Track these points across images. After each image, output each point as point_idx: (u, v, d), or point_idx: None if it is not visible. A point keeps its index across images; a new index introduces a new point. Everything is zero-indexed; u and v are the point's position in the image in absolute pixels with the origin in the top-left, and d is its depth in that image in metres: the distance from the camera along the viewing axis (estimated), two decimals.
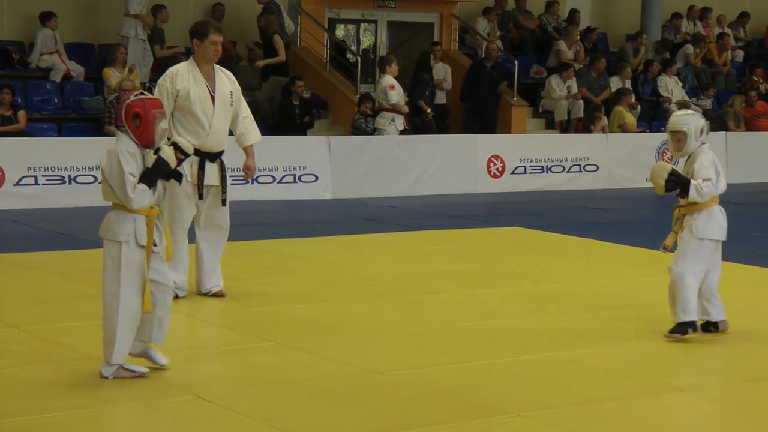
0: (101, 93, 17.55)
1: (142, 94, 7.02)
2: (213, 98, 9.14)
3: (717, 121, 20.96)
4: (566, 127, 20.57)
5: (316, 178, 16.60)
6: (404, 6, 21.35)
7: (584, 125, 20.03)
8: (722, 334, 8.62)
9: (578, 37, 22.56)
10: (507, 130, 19.98)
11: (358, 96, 18.80)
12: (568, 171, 18.82)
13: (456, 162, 17.86)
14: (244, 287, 9.75)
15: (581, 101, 20.54)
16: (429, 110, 19.08)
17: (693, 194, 8.18)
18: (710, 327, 8.58)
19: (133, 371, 7.00)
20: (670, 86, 21.86)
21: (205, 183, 9.14)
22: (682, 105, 21.63)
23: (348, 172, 16.88)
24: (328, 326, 8.70)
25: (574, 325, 8.89)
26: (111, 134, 15.82)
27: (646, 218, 16.09)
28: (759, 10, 26.44)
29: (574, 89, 20.65)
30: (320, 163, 16.65)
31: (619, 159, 19.33)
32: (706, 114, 21.95)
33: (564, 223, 14.70)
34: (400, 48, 22.13)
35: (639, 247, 12.56)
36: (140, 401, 6.68)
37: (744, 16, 25.61)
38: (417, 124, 18.96)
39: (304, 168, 16.51)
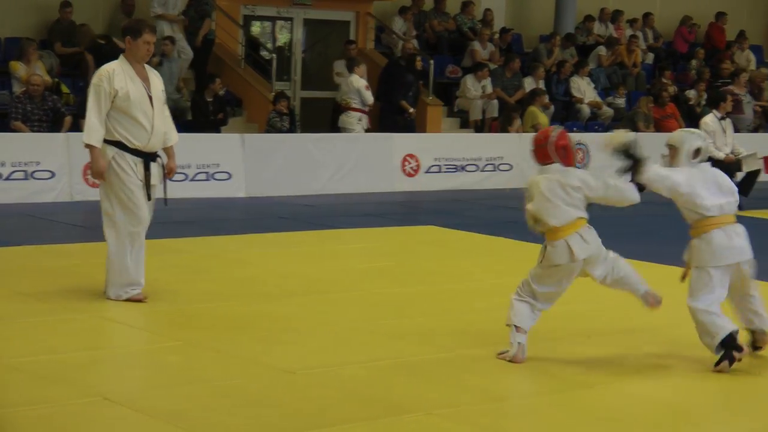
0: (8, 88, 17.28)
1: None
2: (150, 98, 9.09)
3: (627, 122, 21.21)
4: (481, 127, 20.69)
5: (230, 176, 16.51)
6: (320, 4, 21.32)
7: (500, 125, 20.16)
8: (631, 330, 8.72)
9: (491, 38, 22.68)
10: (422, 129, 20.05)
11: (274, 94, 18.75)
12: (482, 170, 18.93)
13: (371, 161, 17.87)
14: (155, 286, 9.66)
15: (496, 101, 20.67)
16: (411, 110, 19.33)
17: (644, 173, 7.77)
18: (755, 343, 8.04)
19: None
20: (583, 87, 22.08)
21: (151, 183, 9.13)
22: (594, 106, 21.89)
23: (262, 170, 16.81)
24: (240, 325, 8.66)
25: (486, 324, 8.93)
26: (18, 130, 15.63)
27: None
28: (668, 14, 26.80)
29: (489, 89, 20.78)
30: (234, 161, 16.56)
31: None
32: (619, 113, 22.28)
33: (478, 222, 14.77)
34: (316, 46, 22.12)
35: None
36: (45, 402, 6.58)
37: (648, 15, 25.92)
38: (400, 122, 19.23)
39: (218, 166, 16.41)
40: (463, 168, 18.80)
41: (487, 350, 8.10)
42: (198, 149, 16.21)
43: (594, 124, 21.82)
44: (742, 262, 7.78)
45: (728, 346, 7.57)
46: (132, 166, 9.01)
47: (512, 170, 19.15)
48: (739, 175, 16.94)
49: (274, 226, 13.92)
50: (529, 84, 21.31)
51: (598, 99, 22.24)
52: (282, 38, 22.04)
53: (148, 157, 9.10)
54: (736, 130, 19.42)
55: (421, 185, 18.19)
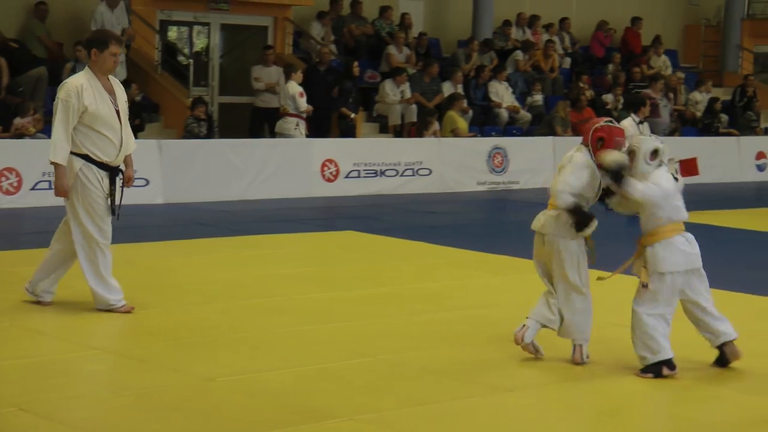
0: None
1: (610, 122, 8.13)
2: (117, 113, 8.97)
3: (545, 126, 21.39)
4: (400, 132, 20.71)
5: (147, 182, 16.35)
6: (237, 9, 21.21)
7: (417, 130, 20.21)
8: (547, 334, 8.77)
9: (407, 42, 22.72)
10: (341, 134, 20.02)
11: (191, 99, 18.62)
12: (401, 175, 18.95)
13: (290, 166, 17.81)
14: (72, 294, 9.52)
15: (414, 106, 20.72)
16: (352, 115, 19.42)
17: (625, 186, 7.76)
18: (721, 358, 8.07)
19: None
20: (501, 92, 22.21)
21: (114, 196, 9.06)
22: (512, 110, 22.02)
23: (180, 176, 16.68)
24: (159, 332, 8.56)
25: (407, 328, 8.95)
26: None
27: (477, 221, 16.32)
28: (584, 18, 27.06)
29: (408, 94, 20.82)
30: (151, 168, 16.41)
31: (451, 163, 19.57)
32: (536, 110, 22.45)
33: (397, 227, 14.78)
34: (234, 51, 22.01)
35: (470, 250, 12.71)
36: None
37: (564, 20, 26.15)
38: (342, 127, 19.36)
39: (135, 172, 16.17)
40: (382, 173, 18.81)
41: (409, 354, 8.11)
42: None
43: (512, 128, 21.96)
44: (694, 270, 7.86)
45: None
46: (98, 179, 8.92)
47: (431, 175, 19.19)
48: None
49: (193, 232, 13.81)
50: (447, 89, 21.38)
51: (516, 103, 22.38)
52: (199, 43, 21.90)
53: (113, 171, 9.02)
54: (654, 133, 19.68)
55: (340, 190, 18.17)
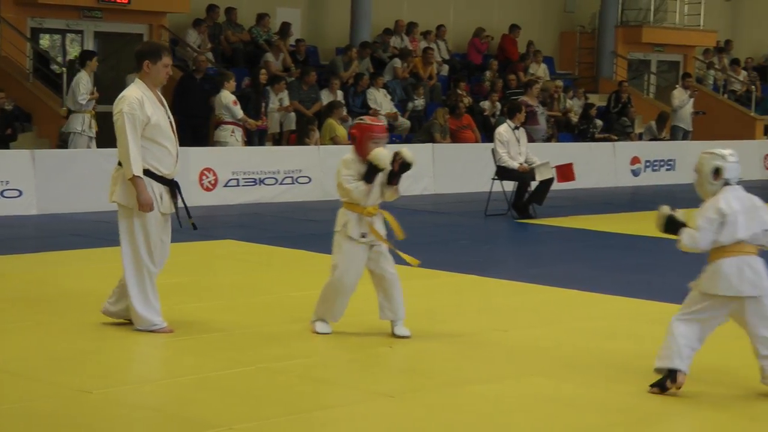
0: None
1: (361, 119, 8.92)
2: (171, 124, 8.83)
3: (424, 133, 21.48)
4: (279, 140, 20.63)
5: (20, 193, 16.02)
6: (111, 16, 20.92)
7: (299, 138, 20.14)
8: (428, 339, 8.79)
9: (283, 50, 22.66)
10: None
11: (66, 108, 18.30)
12: (281, 183, 18.87)
13: None
14: None
15: (293, 114, 20.65)
16: (255, 123, 19.30)
17: (683, 240, 7.48)
18: None
19: None
20: (379, 99, 22.25)
21: (169, 211, 8.85)
22: (390, 117, 22.08)
23: (54, 186, 16.37)
24: (33, 345, 8.39)
25: (287, 336, 8.89)
26: None
27: None
28: (462, 26, 27.29)
29: (286, 102, 20.74)
30: (24, 178, 16.07)
31: (331, 171, 19.22)
32: (417, 115, 22.56)
33: (277, 235, 14.71)
34: (109, 59, 21.70)
35: None
36: None
37: (441, 27, 26.33)
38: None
39: (7, 183, 15.89)
40: (261, 181, 18.71)
41: (288, 363, 8.06)
42: None
43: (391, 135, 21.99)
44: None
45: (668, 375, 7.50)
46: (157, 197, 8.69)
47: (311, 183, 19.14)
48: (533, 184, 17.35)
49: (68, 243, 13.56)
50: (326, 96, 21.35)
51: (395, 110, 22.45)
52: (73, 51, 21.54)
53: (173, 184, 8.84)
54: (531, 140, 19.91)
55: (219, 199, 18.01)
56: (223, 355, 8.23)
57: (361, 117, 9.04)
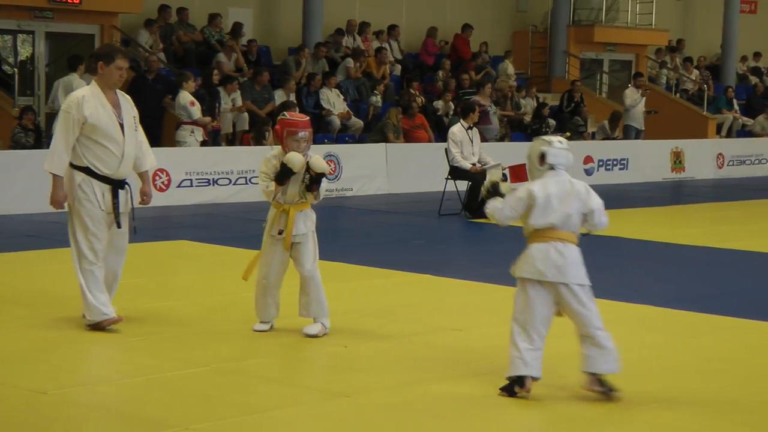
0: None
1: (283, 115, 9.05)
2: (122, 126, 8.90)
3: (378, 133, 21.51)
4: (232, 140, 20.59)
5: None
6: (62, 17, 20.80)
7: (255, 139, 20.10)
8: (383, 338, 8.83)
9: (235, 50, 22.63)
10: (172, 143, 19.79)
11: (18, 109, 18.17)
12: (234, 183, 18.84)
13: None
14: None
15: (246, 114, 20.62)
16: (213, 122, 19.39)
17: (487, 208, 7.68)
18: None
19: None
20: (332, 99, 22.26)
21: (119, 210, 8.93)
22: (343, 117, 22.09)
23: (6, 187, 16.26)
24: None
25: (240, 336, 8.89)
26: None
27: (321, 228, 16.25)
28: (414, 25, 27.34)
29: (239, 102, 20.71)
30: None
31: None
32: (377, 112, 22.60)
33: (231, 235, 14.69)
34: (60, 59, 21.57)
35: None
36: None
37: (394, 28, 26.38)
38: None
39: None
40: (215, 182, 18.67)
41: (242, 363, 8.07)
42: None
43: (344, 135, 22.03)
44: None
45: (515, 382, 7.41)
46: (98, 195, 8.82)
47: None
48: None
49: (20, 244, 13.48)
50: (279, 96, 21.32)
51: (348, 110, 22.47)
52: (24, 52, 21.41)
53: (116, 184, 8.91)
54: (484, 139, 19.98)
55: (172, 200, 17.96)
56: (178, 356, 8.23)
57: (284, 113, 9.21)
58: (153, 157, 9.40)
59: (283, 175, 8.81)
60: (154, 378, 7.63)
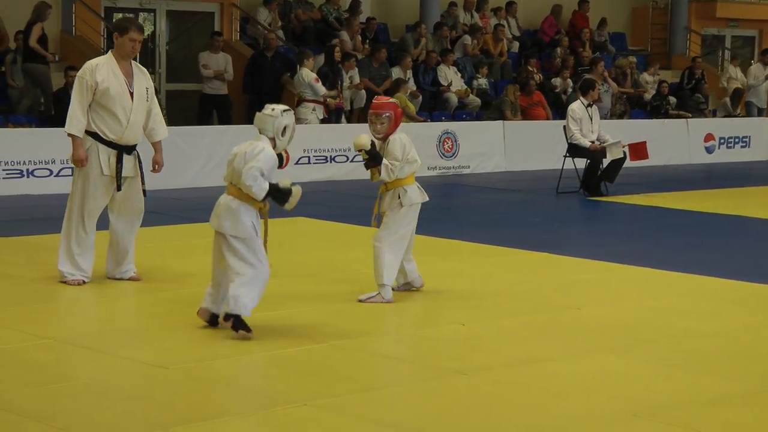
0: None
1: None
2: (131, 94, 9.50)
3: (495, 110, 21.40)
4: (349, 117, 20.65)
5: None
6: None
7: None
8: (501, 317, 8.79)
9: (360, 28, 22.68)
10: None
11: None
12: (351, 161, 18.88)
13: None
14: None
15: (363, 91, 20.65)
16: (335, 100, 19.61)
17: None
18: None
19: None
20: (450, 76, 22.19)
21: (123, 175, 9.50)
22: (461, 95, 22.02)
23: None
24: (106, 320, 8.52)
25: (357, 315, 8.92)
26: None
27: (429, 206, 16.27)
28: (533, 3, 27.10)
29: (356, 79, 20.75)
30: None
31: None
32: (483, 92, 22.46)
33: (348, 213, 14.74)
34: (181, 38, 21.86)
35: (423, 235, 12.66)
36: None
37: (512, 4, 26.17)
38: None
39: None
40: (332, 159, 18.75)
41: (357, 340, 8.09)
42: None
43: (462, 113, 21.96)
44: None
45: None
46: (101, 159, 9.43)
47: None
48: (605, 162, 17.24)
49: (147, 219, 13.66)
50: (397, 74, 21.33)
51: (465, 87, 22.38)
52: (146, 30, 21.70)
53: (122, 149, 9.49)
54: (603, 117, 19.78)
55: (290, 177, 17.91)
56: (293, 332, 8.29)
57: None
58: (165, 128, 9.91)
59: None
60: (273, 353, 7.69)
